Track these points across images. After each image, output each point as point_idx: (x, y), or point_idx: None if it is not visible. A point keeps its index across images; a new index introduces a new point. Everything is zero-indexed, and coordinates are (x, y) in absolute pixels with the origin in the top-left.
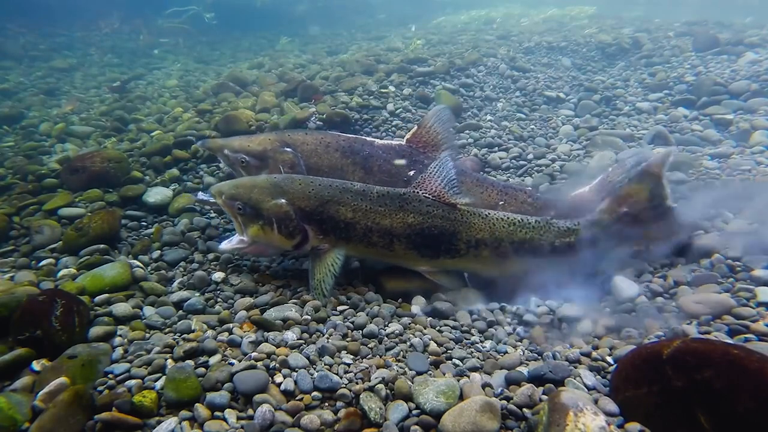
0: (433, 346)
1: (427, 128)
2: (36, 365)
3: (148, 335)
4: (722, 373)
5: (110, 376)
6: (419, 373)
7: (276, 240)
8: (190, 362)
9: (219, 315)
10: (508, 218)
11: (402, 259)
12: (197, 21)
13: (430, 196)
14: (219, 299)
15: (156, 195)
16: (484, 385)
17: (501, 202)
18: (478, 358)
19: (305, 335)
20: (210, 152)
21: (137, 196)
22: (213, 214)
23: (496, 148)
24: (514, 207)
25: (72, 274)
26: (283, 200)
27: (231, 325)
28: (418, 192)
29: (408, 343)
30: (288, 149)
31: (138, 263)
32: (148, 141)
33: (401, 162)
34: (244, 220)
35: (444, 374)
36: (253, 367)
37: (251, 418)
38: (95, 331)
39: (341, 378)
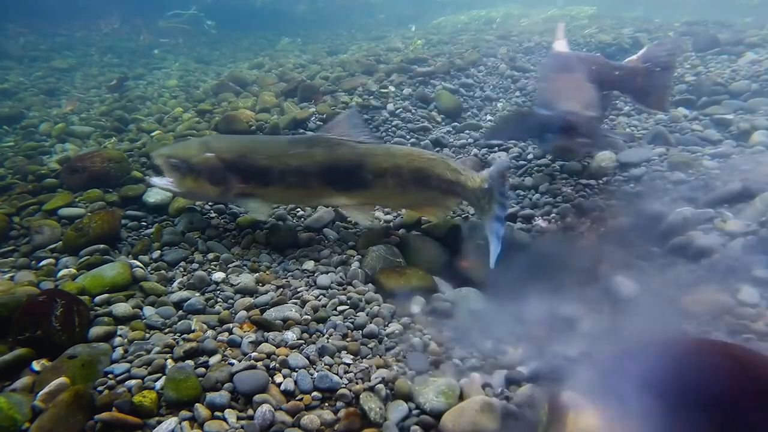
0: (433, 345)
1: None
2: (36, 365)
3: (148, 335)
4: (722, 373)
5: (110, 376)
6: (419, 373)
7: (207, 189)
8: (190, 362)
9: (219, 315)
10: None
11: (321, 196)
12: (197, 21)
13: (337, 137)
14: (219, 299)
15: (156, 195)
16: (484, 385)
17: (617, 73)
18: (478, 358)
19: (305, 335)
20: None
21: (137, 196)
22: (213, 214)
23: (496, 148)
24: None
25: (72, 274)
26: (211, 154)
27: (231, 325)
28: (325, 134)
29: (408, 343)
30: None
31: (138, 263)
32: (148, 141)
33: None
34: (179, 175)
35: (444, 374)
36: (253, 367)
37: (251, 418)
38: (95, 331)
39: (341, 378)
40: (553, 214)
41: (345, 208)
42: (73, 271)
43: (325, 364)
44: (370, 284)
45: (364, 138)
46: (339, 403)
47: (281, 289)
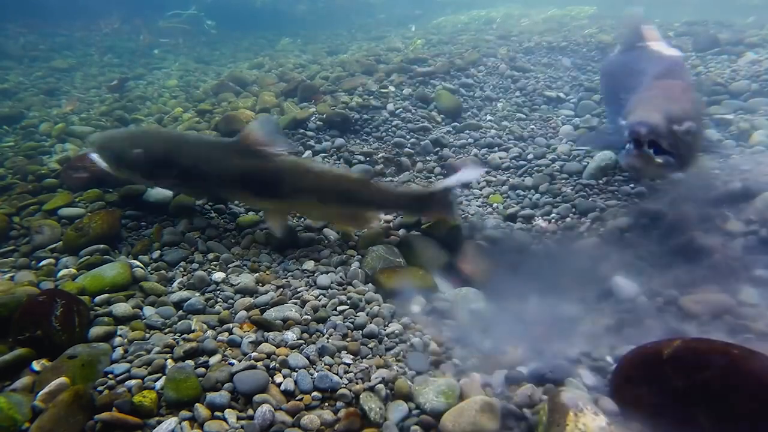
0: (433, 345)
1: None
2: (36, 365)
3: (148, 335)
4: (722, 373)
5: (110, 376)
6: (419, 373)
7: (139, 179)
8: (190, 362)
9: (219, 315)
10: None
11: (242, 198)
12: (197, 21)
13: (254, 146)
14: (219, 299)
15: (156, 195)
16: (484, 385)
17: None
18: (478, 357)
19: (305, 335)
20: None
21: (137, 195)
22: (213, 214)
23: (496, 148)
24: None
25: (72, 274)
26: (140, 150)
27: (231, 325)
28: (244, 143)
29: (408, 343)
30: None
31: (138, 263)
32: None
33: None
34: (113, 164)
35: (444, 374)
36: (253, 367)
37: (251, 418)
38: (95, 331)
39: (341, 378)
40: (553, 214)
41: (264, 212)
42: (73, 271)
43: (325, 364)
44: (370, 284)
45: (281, 148)
46: (339, 403)
47: (281, 289)
